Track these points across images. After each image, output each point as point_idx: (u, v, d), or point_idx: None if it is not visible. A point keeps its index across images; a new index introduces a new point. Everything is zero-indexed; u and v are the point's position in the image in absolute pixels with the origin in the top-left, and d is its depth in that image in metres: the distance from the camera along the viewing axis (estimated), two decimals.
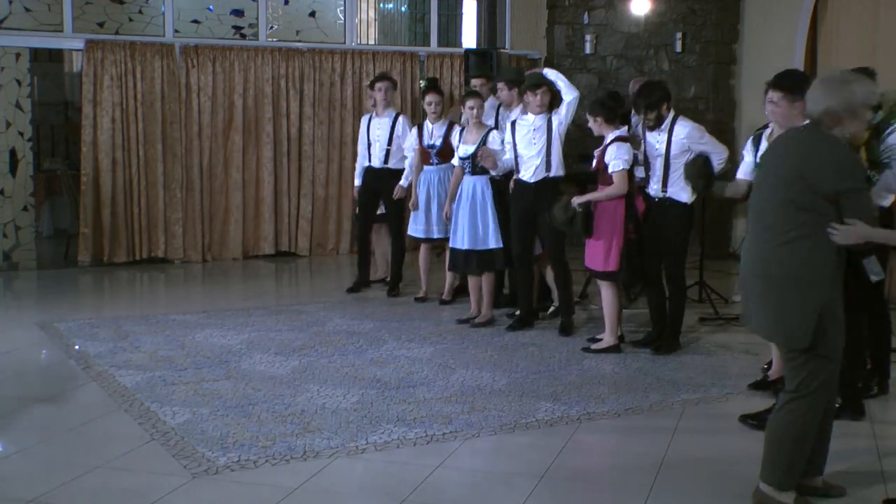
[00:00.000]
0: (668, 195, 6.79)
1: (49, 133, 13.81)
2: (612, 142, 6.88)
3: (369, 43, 12.22)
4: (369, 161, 8.95)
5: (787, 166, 4.13)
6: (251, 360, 6.65)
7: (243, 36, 11.04)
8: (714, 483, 4.79)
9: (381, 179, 8.87)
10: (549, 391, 6.03)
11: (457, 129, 8.10)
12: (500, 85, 8.09)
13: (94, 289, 9.67)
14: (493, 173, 7.64)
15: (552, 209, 7.00)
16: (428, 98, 8.43)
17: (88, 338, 7.22)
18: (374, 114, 9.04)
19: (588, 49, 11.57)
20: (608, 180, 6.85)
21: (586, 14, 11.54)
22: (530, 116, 7.38)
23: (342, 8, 11.47)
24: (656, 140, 6.79)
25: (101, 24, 10.40)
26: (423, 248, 8.69)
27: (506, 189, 7.68)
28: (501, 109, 8.38)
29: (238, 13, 11.02)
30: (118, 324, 7.69)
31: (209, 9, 10.93)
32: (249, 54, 10.73)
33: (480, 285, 7.83)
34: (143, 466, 4.76)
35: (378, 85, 8.95)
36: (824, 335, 4.10)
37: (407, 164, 8.69)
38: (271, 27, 11.22)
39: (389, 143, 8.86)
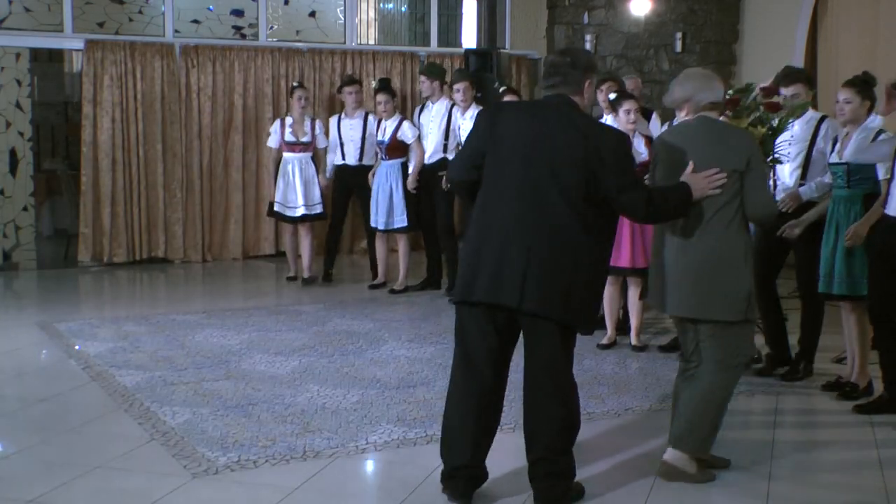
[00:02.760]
0: None
1: (49, 133, 13.81)
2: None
3: (369, 43, 12.21)
4: (343, 159, 9.37)
5: (720, 158, 4.48)
6: (251, 360, 6.65)
7: (243, 36, 11.04)
8: (714, 484, 4.79)
9: (357, 176, 9.34)
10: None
11: (407, 123, 9.03)
12: (422, 78, 8.93)
13: (94, 289, 9.68)
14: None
15: None
16: (378, 97, 9.07)
17: (88, 338, 7.22)
18: (343, 115, 9.49)
19: (588, 49, 11.56)
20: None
21: (586, 14, 11.54)
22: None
23: (342, 8, 11.47)
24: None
25: (101, 24, 10.40)
26: (378, 237, 9.26)
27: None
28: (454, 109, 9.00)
29: (238, 13, 11.02)
30: (118, 324, 7.69)
31: (209, 9, 10.93)
32: (249, 54, 10.73)
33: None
34: (142, 466, 4.76)
35: (347, 90, 9.41)
36: (754, 306, 4.61)
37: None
38: (271, 27, 11.22)
39: (363, 141, 9.29)
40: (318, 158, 9.42)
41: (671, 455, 4.65)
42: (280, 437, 5.14)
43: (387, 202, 9.02)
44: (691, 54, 11.50)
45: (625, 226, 6.85)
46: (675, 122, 5.25)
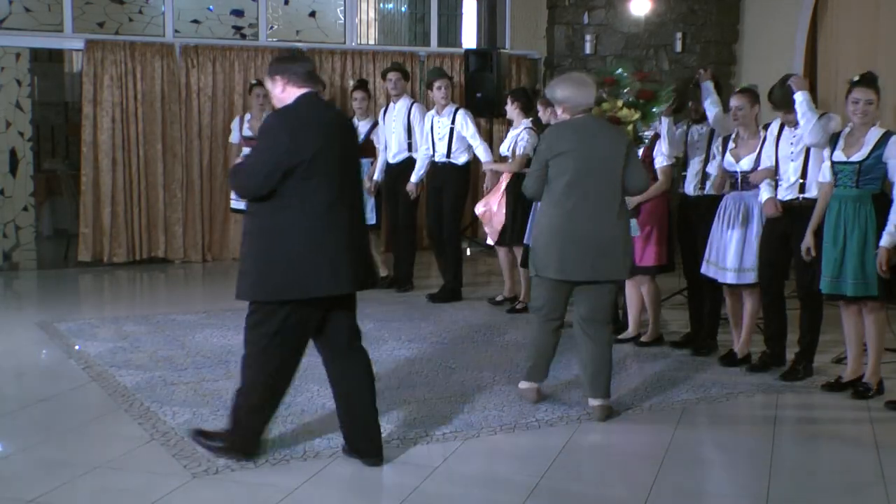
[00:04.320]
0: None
1: (49, 133, 13.82)
2: (654, 139, 7.06)
3: (369, 43, 12.22)
4: None
5: (608, 150, 5.46)
6: None
7: (243, 36, 11.04)
8: (714, 483, 4.80)
9: None
10: (549, 391, 6.03)
11: (380, 124, 9.14)
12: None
13: (94, 289, 9.68)
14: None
15: None
16: (355, 95, 9.29)
17: (88, 338, 7.21)
18: None
19: (588, 49, 11.56)
20: (653, 177, 6.95)
21: (586, 14, 11.54)
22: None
23: (342, 8, 11.47)
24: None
25: (101, 24, 10.40)
26: None
27: None
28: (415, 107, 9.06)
29: (238, 13, 11.03)
30: (118, 324, 7.69)
31: (209, 9, 10.93)
32: (249, 54, 10.73)
33: None
34: (142, 466, 4.75)
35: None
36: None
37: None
38: (271, 27, 11.23)
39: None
40: None
41: (601, 402, 5.55)
42: (280, 437, 5.13)
43: None
44: (691, 54, 11.50)
45: (654, 228, 6.92)
46: (555, 121, 5.98)
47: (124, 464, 4.78)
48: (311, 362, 6.53)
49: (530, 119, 8.21)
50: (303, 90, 4.61)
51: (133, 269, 10.28)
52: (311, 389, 5.98)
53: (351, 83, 9.88)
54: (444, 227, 8.77)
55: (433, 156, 8.77)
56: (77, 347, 6.97)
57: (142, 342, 7.10)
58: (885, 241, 5.65)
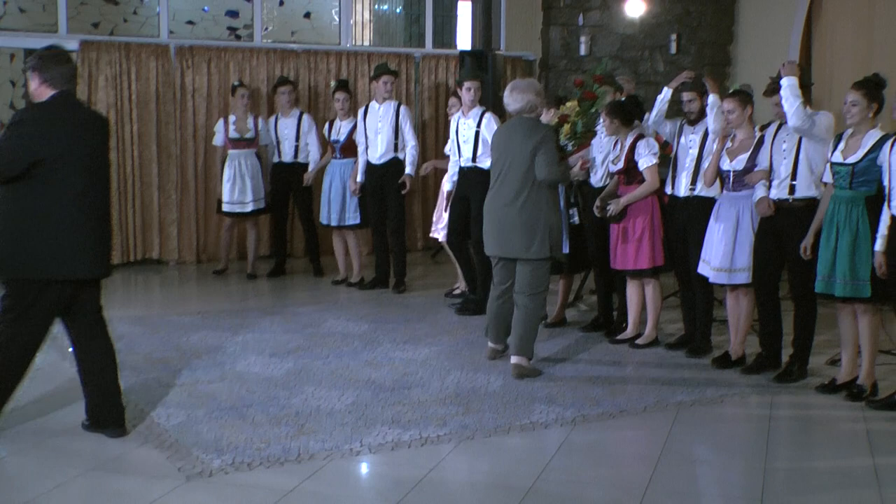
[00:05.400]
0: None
1: None
2: (636, 140, 7.06)
3: (364, 44, 12.21)
4: (279, 158, 9.78)
5: (521, 145, 6.39)
6: (246, 362, 6.65)
7: (238, 37, 11.04)
8: (708, 485, 4.80)
9: (293, 173, 9.74)
10: (543, 393, 6.03)
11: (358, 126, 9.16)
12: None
13: None
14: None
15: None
16: (337, 96, 9.40)
17: None
18: (279, 115, 9.82)
19: (583, 50, 11.57)
20: (639, 177, 7.01)
21: (581, 15, 11.55)
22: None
23: (337, 9, 11.47)
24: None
25: (95, 25, 10.40)
26: (334, 234, 9.56)
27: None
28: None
29: (233, 14, 11.03)
30: (112, 325, 7.54)
31: (204, 10, 10.93)
32: (244, 55, 10.71)
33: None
34: (136, 469, 4.75)
35: (281, 89, 9.81)
36: (557, 247, 6.52)
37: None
38: (266, 28, 11.22)
39: (297, 139, 9.68)
40: (263, 155, 9.83)
41: (516, 360, 6.42)
42: (275, 439, 5.13)
43: (340, 199, 9.29)
44: (686, 55, 11.51)
45: (645, 229, 6.92)
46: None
47: (118, 466, 4.78)
48: (304, 365, 6.58)
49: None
50: (57, 90, 4.96)
51: (127, 270, 10.25)
52: (306, 391, 5.98)
53: (333, 84, 9.89)
54: (472, 235, 8.21)
55: (459, 160, 8.39)
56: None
57: (136, 344, 7.09)
58: (878, 246, 5.68)
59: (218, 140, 9.78)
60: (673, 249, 7.07)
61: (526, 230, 6.37)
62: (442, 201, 8.70)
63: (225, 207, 9.65)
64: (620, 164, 7.09)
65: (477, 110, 8.27)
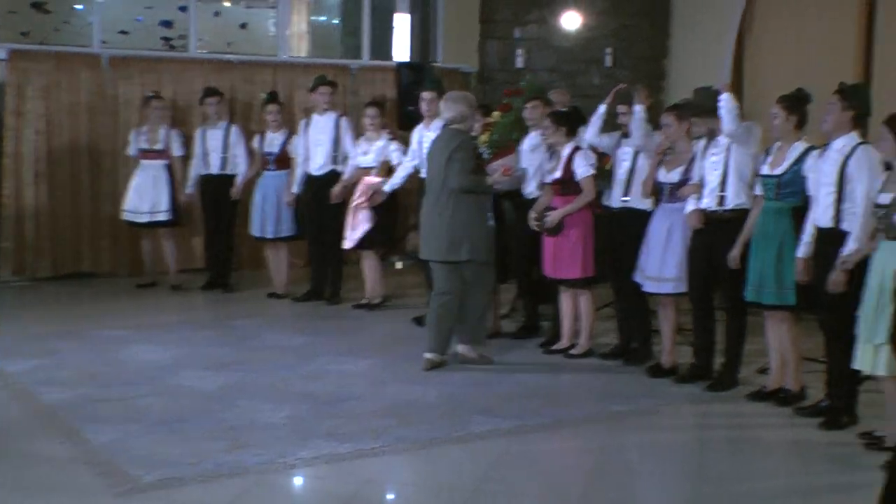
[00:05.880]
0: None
1: None
2: (574, 151, 7.09)
3: (301, 56, 12.14)
4: (206, 169, 9.60)
5: (439, 154, 6.83)
6: (180, 376, 6.55)
7: (172, 47, 10.91)
8: (643, 493, 4.83)
9: (219, 185, 9.56)
10: (481, 404, 6.03)
11: (297, 138, 9.17)
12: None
13: (16, 304, 9.39)
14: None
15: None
16: (269, 108, 9.35)
17: (10, 355, 7.00)
18: (206, 126, 9.69)
19: (520, 63, 11.62)
20: (576, 189, 7.04)
21: (518, 29, 11.60)
22: None
23: (274, 20, 11.40)
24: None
25: (25, 34, 10.20)
26: (267, 247, 9.49)
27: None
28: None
29: (167, 24, 10.91)
30: (42, 340, 7.51)
31: (138, 19, 10.80)
32: (179, 66, 10.57)
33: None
34: (65, 487, 4.64)
35: (208, 100, 9.61)
36: (479, 250, 6.78)
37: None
38: (201, 39, 11.10)
39: (224, 151, 9.54)
40: (174, 167, 9.62)
41: (429, 354, 6.80)
42: (208, 453, 5.05)
43: (275, 211, 9.23)
44: (622, 69, 11.61)
45: (578, 239, 6.96)
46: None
47: (46, 485, 4.66)
48: (239, 378, 6.50)
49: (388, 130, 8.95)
50: None
51: (58, 283, 10.04)
52: (241, 405, 5.91)
53: (263, 97, 9.82)
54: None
55: (423, 172, 8.16)
56: None
57: (67, 359, 6.94)
58: (800, 252, 5.79)
59: (131, 150, 9.69)
60: (605, 261, 7.12)
61: (442, 235, 6.78)
62: (359, 211, 8.61)
63: (124, 216, 9.59)
64: (558, 174, 7.11)
65: (439, 122, 8.11)
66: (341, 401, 6.06)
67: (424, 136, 8.27)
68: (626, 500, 4.70)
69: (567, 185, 7.09)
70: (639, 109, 6.80)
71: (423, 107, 8.34)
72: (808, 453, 5.32)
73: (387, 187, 8.61)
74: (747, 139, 6.25)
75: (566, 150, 7.13)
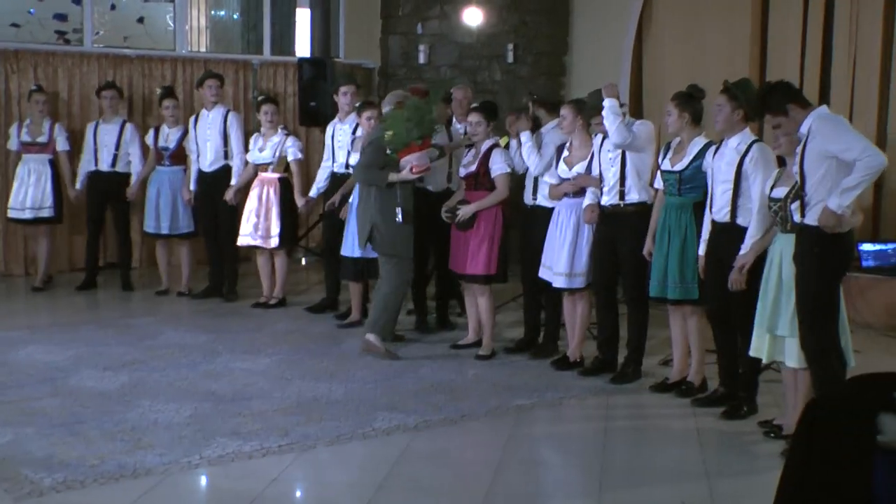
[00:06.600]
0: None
1: None
2: (492, 148, 7.10)
3: (201, 50, 11.96)
4: (96, 165, 9.35)
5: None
6: (79, 377, 6.41)
7: (67, 41, 10.64)
8: (548, 485, 4.89)
9: (110, 182, 9.34)
10: (385, 400, 6.03)
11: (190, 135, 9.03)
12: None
13: None
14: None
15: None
16: (165, 103, 9.22)
17: None
18: (100, 120, 9.48)
19: (422, 59, 11.63)
20: (489, 185, 7.04)
21: (420, 24, 11.62)
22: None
23: (172, 14, 11.20)
24: None
25: None
26: (159, 244, 9.39)
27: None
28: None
29: (61, 17, 10.62)
30: None
31: (30, 12, 10.50)
32: (74, 60, 10.31)
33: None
34: None
35: (104, 93, 9.43)
36: (407, 246, 7.03)
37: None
38: (97, 33, 10.85)
39: (117, 148, 9.34)
40: (58, 162, 9.40)
41: (370, 336, 7.01)
42: (109, 454, 4.96)
43: (170, 208, 9.11)
44: (523, 65, 11.71)
45: (485, 237, 6.97)
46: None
47: None
48: (140, 378, 6.40)
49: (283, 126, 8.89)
50: None
51: None
52: (143, 405, 5.81)
53: (158, 91, 9.66)
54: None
55: (332, 166, 8.40)
56: None
57: None
58: (700, 249, 5.95)
59: (13, 144, 9.41)
60: (523, 256, 7.22)
61: (359, 227, 7.22)
62: (258, 206, 8.57)
63: (9, 213, 9.35)
64: (473, 168, 7.13)
65: (353, 117, 8.20)
66: (245, 399, 6.01)
67: (338, 128, 8.37)
68: (531, 492, 4.76)
69: (480, 179, 7.10)
70: (610, 104, 6.26)
71: (343, 100, 8.34)
72: (710, 442, 5.45)
73: (312, 192, 8.60)
74: (637, 145, 6.34)
75: (485, 146, 7.12)
